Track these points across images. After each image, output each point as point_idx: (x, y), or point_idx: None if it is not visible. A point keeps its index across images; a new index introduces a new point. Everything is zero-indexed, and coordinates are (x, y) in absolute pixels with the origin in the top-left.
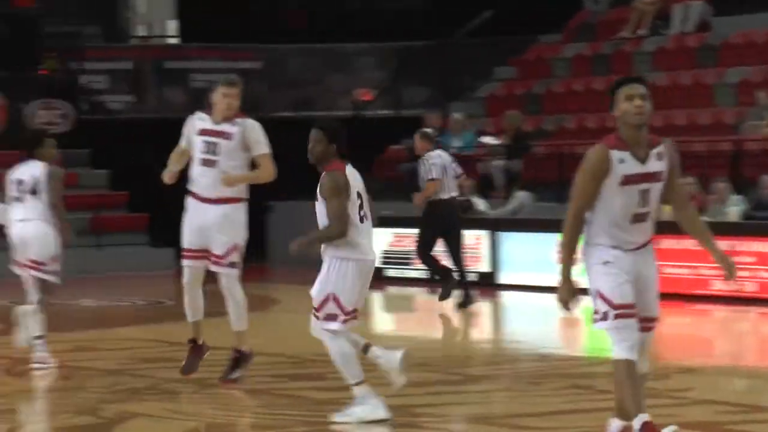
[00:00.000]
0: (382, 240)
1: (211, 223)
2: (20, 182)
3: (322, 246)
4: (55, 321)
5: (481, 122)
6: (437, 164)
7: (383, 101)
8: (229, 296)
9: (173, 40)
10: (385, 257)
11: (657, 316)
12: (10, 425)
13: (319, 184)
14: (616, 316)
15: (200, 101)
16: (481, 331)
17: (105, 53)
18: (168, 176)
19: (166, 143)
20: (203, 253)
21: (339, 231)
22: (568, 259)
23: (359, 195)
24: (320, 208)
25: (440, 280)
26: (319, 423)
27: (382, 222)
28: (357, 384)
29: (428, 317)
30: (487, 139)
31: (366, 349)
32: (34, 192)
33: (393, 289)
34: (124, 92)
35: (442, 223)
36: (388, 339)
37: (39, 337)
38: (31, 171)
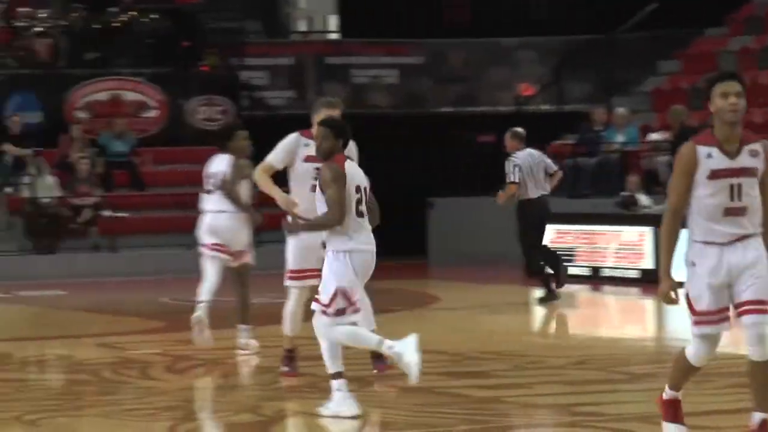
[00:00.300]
0: (544, 237)
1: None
2: (211, 176)
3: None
4: (215, 318)
5: (646, 117)
6: (519, 165)
7: (546, 96)
8: None
9: (334, 36)
10: None
11: (757, 299)
12: (171, 422)
13: (320, 177)
14: (696, 323)
15: (361, 97)
16: (644, 328)
17: (266, 49)
18: (293, 206)
19: None
20: (313, 273)
21: (336, 218)
22: (667, 256)
23: (359, 189)
24: (320, 199)
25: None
26: (480, 421)
27: None
28: (379, 344)
29: (590, 315)
30: (655, 136)
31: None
32: (222, 186)
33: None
34: (284, 88)
35: (533, 220)
36: (550, 337)
37: (203, 302)
38: (219, 165)
